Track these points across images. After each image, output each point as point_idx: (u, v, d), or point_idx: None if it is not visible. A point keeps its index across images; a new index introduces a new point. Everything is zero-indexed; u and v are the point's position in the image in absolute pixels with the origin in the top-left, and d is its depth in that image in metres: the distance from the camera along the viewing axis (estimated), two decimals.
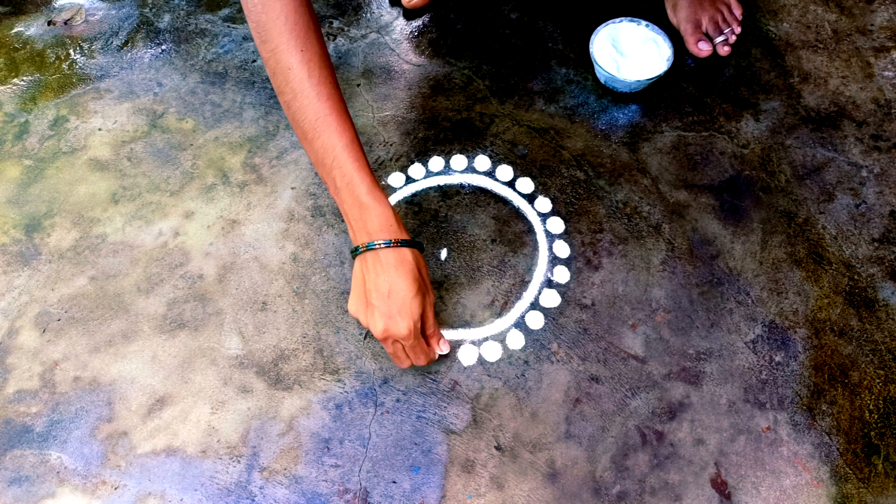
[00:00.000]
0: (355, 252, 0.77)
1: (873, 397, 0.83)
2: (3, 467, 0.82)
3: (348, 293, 0.91)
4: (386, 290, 0.75)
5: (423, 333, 0.80)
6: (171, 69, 1.12)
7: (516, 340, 0.88)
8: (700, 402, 0.84)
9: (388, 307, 0.75)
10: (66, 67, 1.13)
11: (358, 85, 1.09)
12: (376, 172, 1.00)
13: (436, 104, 1.06)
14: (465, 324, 0.89)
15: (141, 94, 1.10)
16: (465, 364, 0.86)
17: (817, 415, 0.82)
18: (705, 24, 1.08)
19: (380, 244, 0.75)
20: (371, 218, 0.76)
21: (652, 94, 1.06)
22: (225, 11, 1.18)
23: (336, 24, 1.16)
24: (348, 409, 0.84)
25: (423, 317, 0.78)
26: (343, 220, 0.96)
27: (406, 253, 0.76)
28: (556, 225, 0.95)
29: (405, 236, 0.77)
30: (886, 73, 1.07)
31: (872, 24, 1.12)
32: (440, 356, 0.85)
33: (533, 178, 0.99)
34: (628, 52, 1.04)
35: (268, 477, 0.81)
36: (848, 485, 0.79)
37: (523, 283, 0.92)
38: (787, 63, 1.09)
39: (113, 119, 1.07)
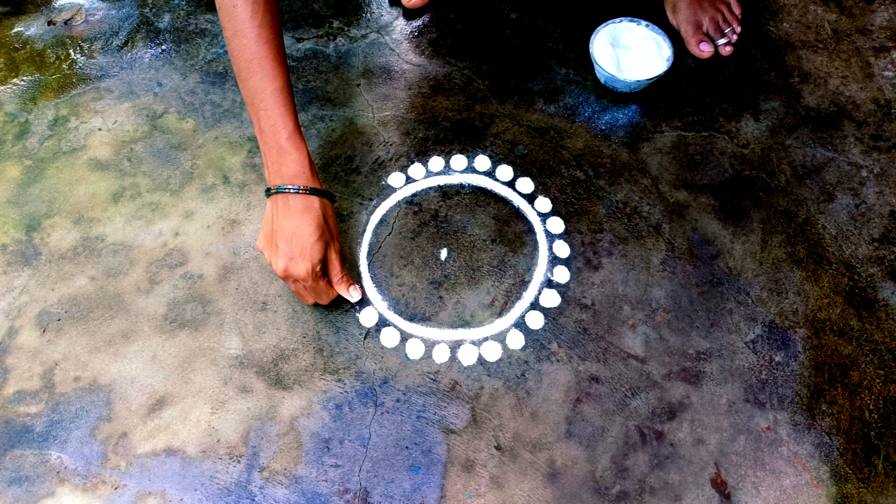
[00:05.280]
0: (268, 193, 0.81)
1: (873, 397, 0.83)
2: (3, 467, 0.82)
3: None
4: (290, 233, 0.79)
5: (329, 279, 0.85)
6: (171, 69, 1.12)
7: (516, 340, 0.88)
8: (700, 402, 0.84)
9: (290, 249, 0.79)
10: (66, 67, 1.13)
11: (358, 85, 1.09)
12: (376, 173, 1.00)
13: (436, 104, 1.06)
14: (465, 324, 0.89)
15: (141, 94, 1.10)
16: (465, 364, 0.86)
17: (817, 415, 0.82)
18: (706, 24, 1.08)
19: (290, 189, 0.79)
20: (287, 163, 0.80)
21: (652, 94, 1.06)
22: None
23: (336, 23, 1.16)
24: (348, 409, 0.84)
25: (327, 262, 0.83)
26: (341, 220, 0.96)
27: (314, 201, 0.80)
28: (556, 225, 0.95)
29: (316, 185, 0.81)
30: (886, 73, 1.07)
31: (872, 24, 1.12)
32: (345, 298, 0.89)
33: (533, 178, 0.99)
34: (628, 53, 1.04)
35: (268, 477, 0.81)
36: (848, 485, 0.79)
37: (523, 283, 0.92)
38: (787, 63, 1.09)
39: (113, 119, 1.07)
